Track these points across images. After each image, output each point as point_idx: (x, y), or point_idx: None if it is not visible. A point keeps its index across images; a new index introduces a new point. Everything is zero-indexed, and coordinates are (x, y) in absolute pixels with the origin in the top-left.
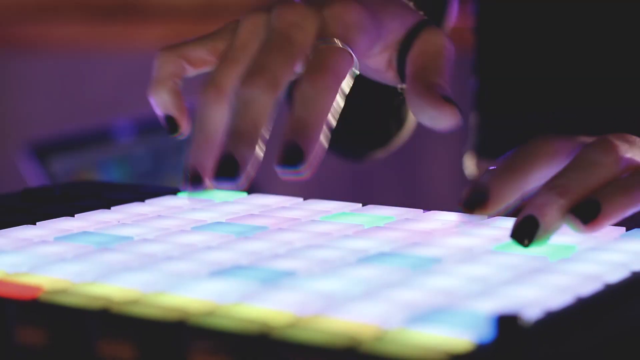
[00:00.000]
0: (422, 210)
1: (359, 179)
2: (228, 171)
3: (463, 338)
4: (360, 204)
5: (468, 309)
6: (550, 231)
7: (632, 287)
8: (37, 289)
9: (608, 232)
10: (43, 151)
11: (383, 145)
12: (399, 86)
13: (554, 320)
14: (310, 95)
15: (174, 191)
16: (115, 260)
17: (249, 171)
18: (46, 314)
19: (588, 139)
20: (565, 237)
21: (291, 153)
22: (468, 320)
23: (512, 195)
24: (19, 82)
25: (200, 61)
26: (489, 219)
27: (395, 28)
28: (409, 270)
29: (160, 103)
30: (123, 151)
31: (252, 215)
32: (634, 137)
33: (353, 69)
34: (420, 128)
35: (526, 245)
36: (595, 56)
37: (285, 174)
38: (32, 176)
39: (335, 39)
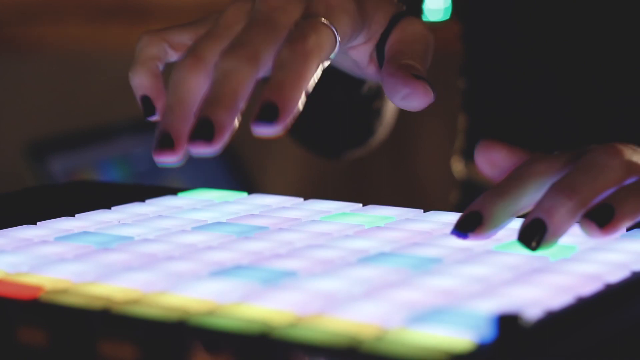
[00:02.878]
0: (422, 210)
1: (359, 179)
2: (204, 133)
3: (463, 338)
4: (361, 204)
5: (468, 309)
6: (558, 234)
7: (632, 287)
8: (37, 288)
9: None
10: (43, 151)
11: (360, 144)
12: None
13: (555, 320)
14: (288, 60)
15: (174, 191)
16: (116, 260)
17: (226, 137)
18: (47, 314)
19: (578, 155)
20: (565, 237)
21: (267, 110)
22: (469, 320)
23: (506, 218)
24: (19, 82)
25: (182, 46)
26: None
27: (378, 19)
28: (410, 270)
29: (139, 84)
30: (123, 151)
31: (252, 215)
32: (634, 146)
33: (334, 51)
34: (421, 127)
35: (534, 249)
36: (585, 58)
37: (260, 131)
38: (31, 176)
39: (318, 17)
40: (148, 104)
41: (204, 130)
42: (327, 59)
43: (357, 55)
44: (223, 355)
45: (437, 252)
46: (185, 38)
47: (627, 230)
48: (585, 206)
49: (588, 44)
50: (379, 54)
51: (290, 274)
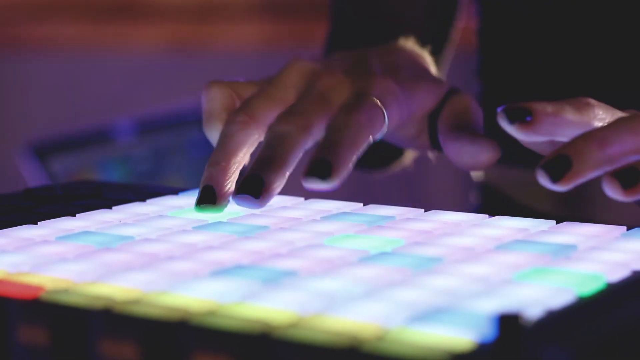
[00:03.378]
0: (423, 209)
1: (360, 178)
2: (253, 189)
3: (464, 337)
4: (362, 204)
5: (469, 309)
6: (579, 176)
7: (633, 286)
8: (38, 288)
9: (609, 232)
10: (43, 151)
11: (394, 161)
12: (430, 154)
13: (555, 320)
14: (344, 125)
15: (175, 191)
16: (117, 260)
17: (272, 197)
18: (48, 313)
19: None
20: (566, 236)
21: (321, 166)
22: (469, 320)
23: (547, 131)
24: (19, 82)
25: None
26: (490, 218)
27: (426, 103)
28: (410, 269)
29: (216, 136)
30: (123, 151)
31: (253, 215)
32: None
33: (382, 131)
34: None
35: (554, 181)
36: (600, 60)
37: (311, 186)
38: (32, 176)
39: (372, 97)
40: None
41: (252, 186)
42: (375, 137)
43: (404, 133)
44: (224, 355)
45: (437, 251)
46: (250, 93)
47: (628, 229)
48: (610, 162)
49: (608, 42)
50: (431, 127)
51: (290, 274)
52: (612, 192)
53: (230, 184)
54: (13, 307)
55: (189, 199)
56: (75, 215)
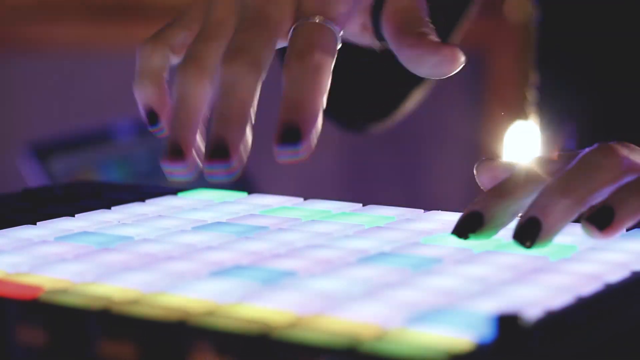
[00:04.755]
0: (422, 210)
1: (359, 178)
2: (220, 154)
3: (463, 338)
4: (361, 204)
5: (468, 309)
6: (553, 232)
7: (632, 287)
8: (37, 289)
9: None
10: (43, 151)
11: (384, 116)
12: (378, 48)
13: (555, 320)
14: (300, 75)
15: (174, 191)
16: (116, 260)
17: (241, 155)
18: (46, 314)
19: (576, 155)
20: (565, 236)
21: (289, 132)
22: (468, 320)
23: (506, 220)
24: (19, 82)
25: (182, 47)
26: None
27: None
28: (410, 270)
29: (144, 96)
30: (123, 151)
31: (252, 215)
32: (633, 145)
33: (337, 43)
34: (421, 128)
35: (528, 247)
36: None
37: (283, 155)
38: (32, 176)
39: (315, 17)
40: (153, 116)
41: (219, 151)
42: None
43: (347, 31)
44: (223, 356)
45: (436, 252)
46: (183, 37)
47: (627, 230)
48: (580, 204)
49: None
50: (375, 22)
51: (290, 274)
52: (590, 235)
53: (195, 139)
54: (12, 308)
55: (188, 199)
56: (74, 216)
